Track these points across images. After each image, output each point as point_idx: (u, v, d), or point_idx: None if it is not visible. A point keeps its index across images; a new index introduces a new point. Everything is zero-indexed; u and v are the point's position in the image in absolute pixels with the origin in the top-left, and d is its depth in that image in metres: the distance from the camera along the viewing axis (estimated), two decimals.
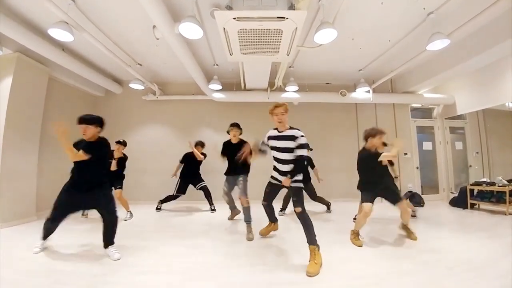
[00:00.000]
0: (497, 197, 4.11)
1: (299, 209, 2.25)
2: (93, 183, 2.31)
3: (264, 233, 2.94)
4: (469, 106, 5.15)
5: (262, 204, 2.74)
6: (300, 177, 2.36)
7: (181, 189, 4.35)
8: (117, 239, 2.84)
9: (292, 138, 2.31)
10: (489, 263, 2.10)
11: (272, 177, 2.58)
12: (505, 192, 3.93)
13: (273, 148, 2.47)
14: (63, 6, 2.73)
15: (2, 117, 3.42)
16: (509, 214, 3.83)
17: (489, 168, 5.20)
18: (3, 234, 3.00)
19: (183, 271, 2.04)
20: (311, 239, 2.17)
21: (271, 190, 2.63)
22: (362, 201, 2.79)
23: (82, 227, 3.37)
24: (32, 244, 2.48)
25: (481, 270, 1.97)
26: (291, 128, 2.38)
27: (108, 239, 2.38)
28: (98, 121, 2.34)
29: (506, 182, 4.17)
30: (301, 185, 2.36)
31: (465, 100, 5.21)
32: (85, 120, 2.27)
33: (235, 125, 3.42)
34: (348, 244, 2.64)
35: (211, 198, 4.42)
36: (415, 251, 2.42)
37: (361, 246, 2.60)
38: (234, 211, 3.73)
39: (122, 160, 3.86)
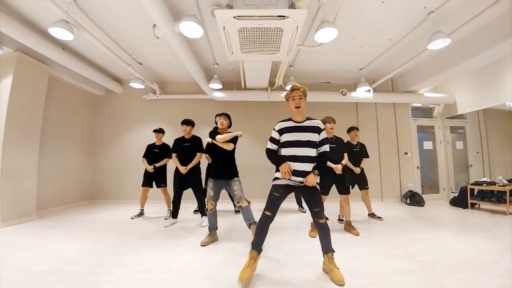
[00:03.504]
0: (497, 197, 4.11)
1: (324, 220, 1.91)
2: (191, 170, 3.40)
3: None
4: (469, 105, 5.14)
5: (267, 215, 1.92)
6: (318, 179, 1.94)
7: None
8: (116, 237, 2.86)
9: (317, 130, 1.91)
10: (489, 262, 2.10)
11: (277, 178, 1.97)
12: (506, 192, 3.93)
13: (287, 143, 1.92)
14: (63, 5, 2.74)
15: (2, 116, 3.42)
16: (510, 214, 3.83)
17: (489, 167, 5.19)
18: (4, 233, 3.00)
19: (183, 270, 2.04)
20: (328, 248, 1.93)
21: (282, 195, 1.92)
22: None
23: (83, 227, 3.38)
24: (33, 243, 2.46)
25: (481, 269, 1.97)
26: (309, 118, 1.97)
27: (201, 211, 3.51)
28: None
29: (506, 182, 4.16)
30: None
31: (465, 99, 5.21)
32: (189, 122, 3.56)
33: (223, 114, 2.89)
34: (347, 244, 2.64)
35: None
36: (415, 250, 2.42)
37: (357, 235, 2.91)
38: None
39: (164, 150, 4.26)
